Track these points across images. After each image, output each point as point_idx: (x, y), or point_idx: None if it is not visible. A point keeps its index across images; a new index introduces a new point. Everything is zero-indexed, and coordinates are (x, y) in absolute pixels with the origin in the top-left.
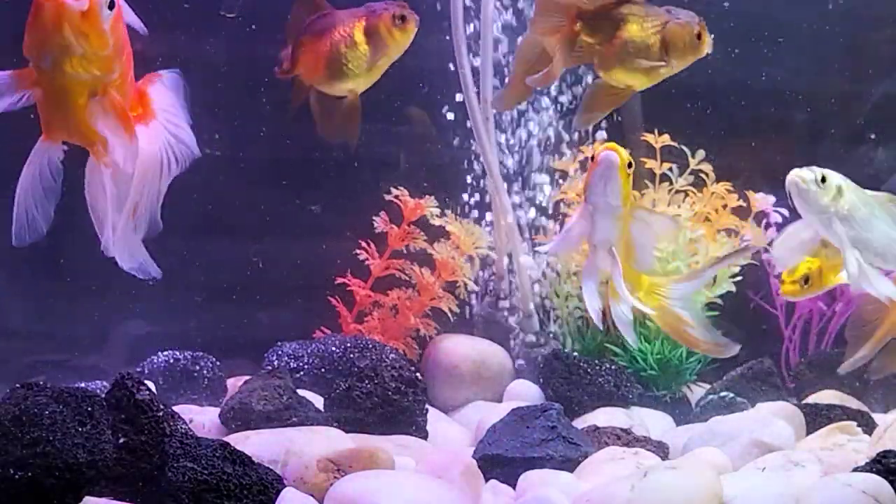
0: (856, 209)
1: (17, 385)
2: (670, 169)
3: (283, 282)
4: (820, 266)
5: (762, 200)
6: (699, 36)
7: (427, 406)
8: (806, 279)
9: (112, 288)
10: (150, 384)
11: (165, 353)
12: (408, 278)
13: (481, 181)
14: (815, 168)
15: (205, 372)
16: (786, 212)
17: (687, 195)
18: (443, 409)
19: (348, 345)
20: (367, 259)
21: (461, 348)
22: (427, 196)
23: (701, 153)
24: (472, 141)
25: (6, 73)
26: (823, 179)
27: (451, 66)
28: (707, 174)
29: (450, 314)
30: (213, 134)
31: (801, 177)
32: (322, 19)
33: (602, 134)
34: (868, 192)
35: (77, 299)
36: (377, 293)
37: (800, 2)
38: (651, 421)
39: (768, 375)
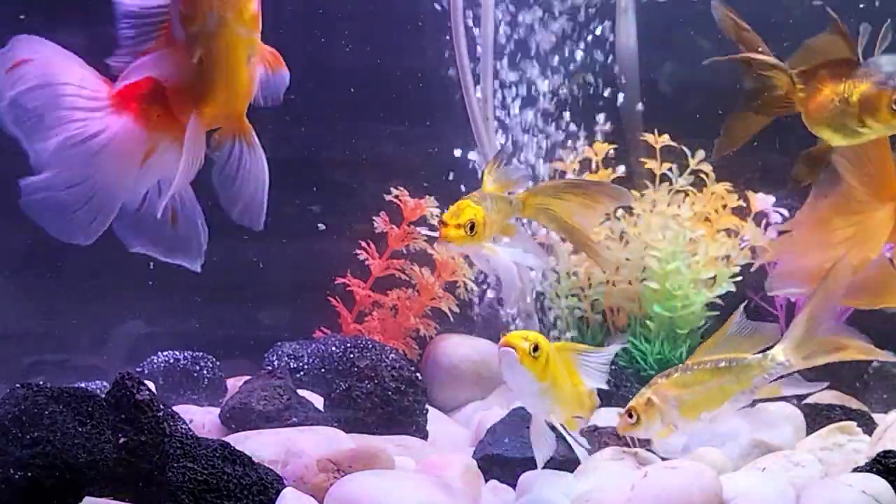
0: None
1: (17, 385)
2: (670, 169)
3: (283, 282)
4: (485, 217)
5: (762, 200)
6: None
7: (427, 406)
8: (472, 226)
9: (112, 288)
10: (150, 384)
11: (165, 353)
12: (408, 278)
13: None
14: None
15: (205, 372)
16: (786, 212)
17: (687, 195)
18: (443, 409)
19: (348, 345)
20: (367, 259)
21: (461, 348)
22: (427, 196)
23: (701, 153)
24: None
25: (160, 55)
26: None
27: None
28: (707, 174)
29: (450, 314)
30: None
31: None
32: (842, 65)
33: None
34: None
35: (77, 299)
36: (377, 293)
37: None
38: None
39: None
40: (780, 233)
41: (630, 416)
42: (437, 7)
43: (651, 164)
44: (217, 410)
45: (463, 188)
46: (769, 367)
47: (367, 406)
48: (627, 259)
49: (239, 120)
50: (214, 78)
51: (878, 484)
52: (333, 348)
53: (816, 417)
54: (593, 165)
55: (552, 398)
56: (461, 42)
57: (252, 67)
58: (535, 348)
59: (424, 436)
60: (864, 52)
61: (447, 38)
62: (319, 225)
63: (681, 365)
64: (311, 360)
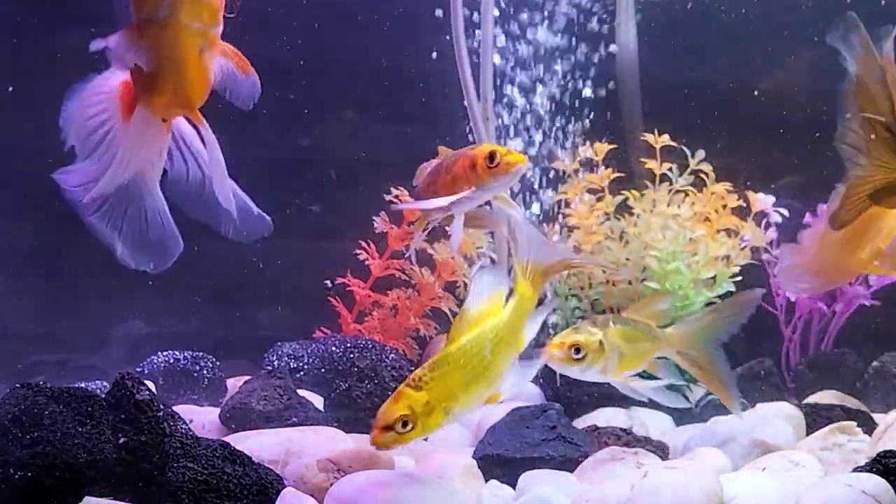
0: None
1: (17, 385)
2: (670, 169)
3: (283, 282)
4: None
5: (762, 200)
6: None
7: None
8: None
9: (112, 288)
10: (150, 384)
11: (165, 353)
12: (408, 278)
13: None
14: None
15: (205, 372)
16: (785, 212)
17: (687, 195)
18: None
19: (348, 345)
20: (367, 259)
21: None
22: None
23: (701, 153)
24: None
25: (118, 34)
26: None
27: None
28: (707, 174)
29: (450, 314)
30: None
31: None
32: None
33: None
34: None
35: (77, 299)
36: (377, 293)
37: (798, 1)
38: (651, 421)
39: (768, 375)
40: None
41: (577, 351)
42: (438, 8)
43: (651, 164)
44: (217, 410)
45: None
46: (664, 346)
47: (367, 406)
48: (627, 259)
49: (191, 112)
50: (161, 66)
51: (878, 484)
52: (333, 348)
53: (816, 417)
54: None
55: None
56: (461, 42)
57: (206, 60)
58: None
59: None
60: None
61: (447, 37)
62: (326, 282)
63: (618, 315)
64: (311, 360)
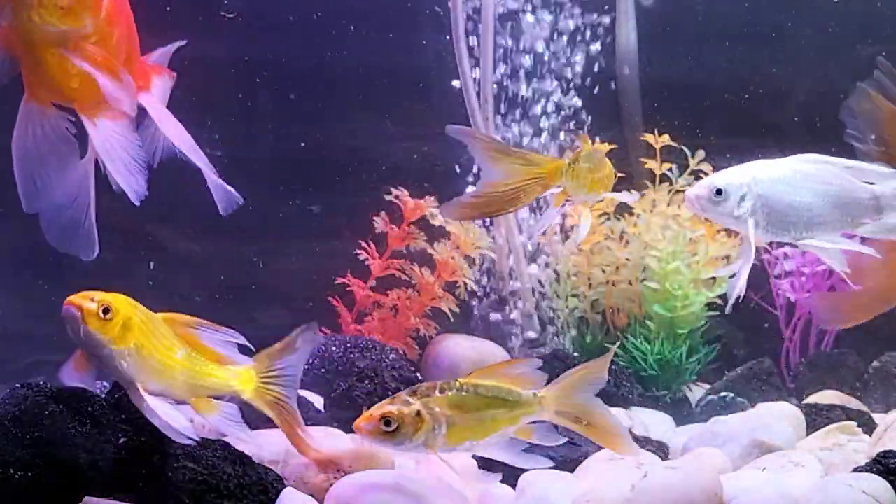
0: (775, 199)
1: (17, 385)
2: (670, 169)
3: (283, 282)
4: None
5: None
6: None
7: None
8: None
9: (112, 288)
10: None
11: None
12: (408, 278)
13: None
14: (710, 180)
15: None
16: None
17: None
18: None
19: (348, 345)
20: (367, 259)
21: (461, 348)
22: (427, 196)
23: (701, 153)
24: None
25: None
26: (719, 192)
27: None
28: (707, 174)
29: (450, 314)
30: (213, 134)
31: (694, 195)
32: None
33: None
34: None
35: None
36: (377, 293)
37: (798, 1)
38: (651, 421)
39: (768, 375)
40: None
41: (387, 423)
42: (438, 7)
43: (651, 164)
44: None
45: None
46: (538, 408)
47: (367, 406)
48: (627, 259)
49: (72, 103)
50: (27, 65)
51: (878, 484)
52: (333, 348)
53: (816, 417)
54: None
55: (137, 366)
56: (461, 42)
57: (71, 56)
58: (106, 310)
59: None
60: None
61: (447, 37)
62: (313, 207)
63: (453, 382)
64: (311, 360)
